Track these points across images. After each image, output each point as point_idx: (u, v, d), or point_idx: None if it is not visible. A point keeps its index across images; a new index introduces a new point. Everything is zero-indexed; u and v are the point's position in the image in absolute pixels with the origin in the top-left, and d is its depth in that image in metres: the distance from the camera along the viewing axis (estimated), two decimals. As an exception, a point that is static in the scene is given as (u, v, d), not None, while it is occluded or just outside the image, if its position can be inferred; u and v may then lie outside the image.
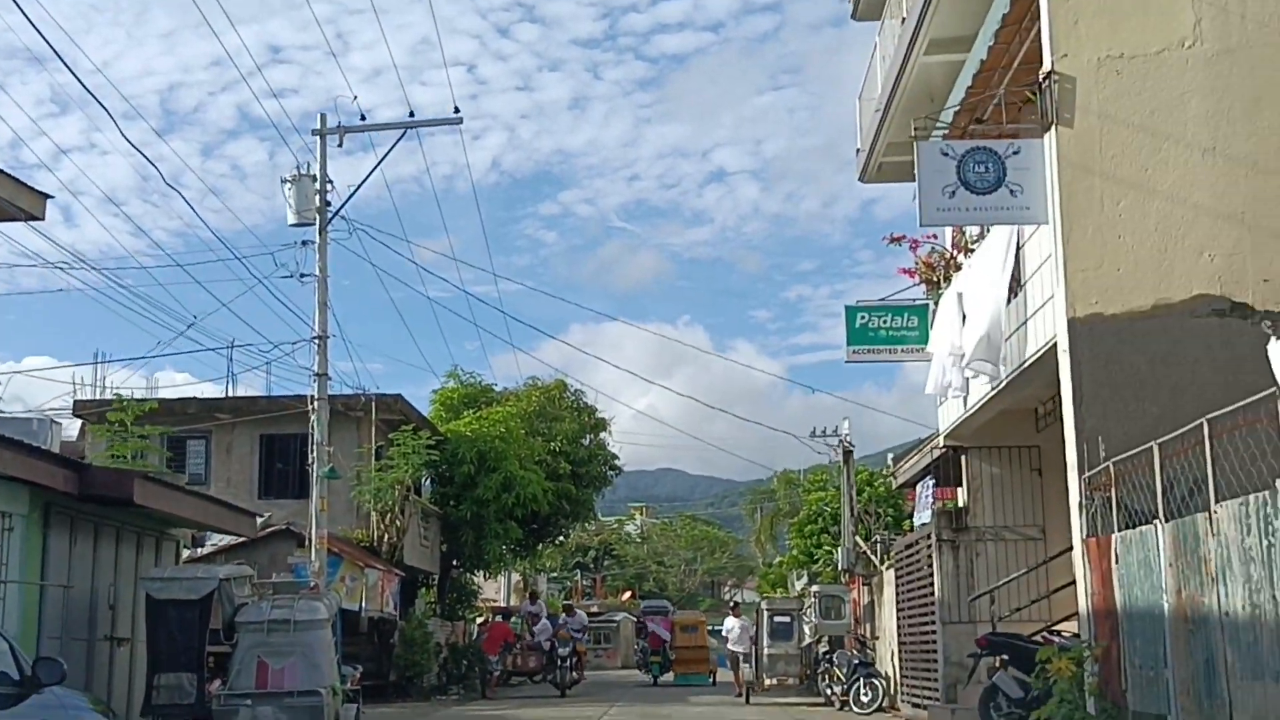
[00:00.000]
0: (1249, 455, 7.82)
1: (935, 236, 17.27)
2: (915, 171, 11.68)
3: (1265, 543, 7.12)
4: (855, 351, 17.16)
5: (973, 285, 14.34)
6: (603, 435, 36.73)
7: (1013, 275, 12.95)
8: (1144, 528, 9.22)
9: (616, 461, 37.03)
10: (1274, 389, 7.21)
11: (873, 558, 27.85)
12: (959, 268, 16.90)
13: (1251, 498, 7.34)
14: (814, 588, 28.25)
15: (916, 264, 17.27)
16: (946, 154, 11.55)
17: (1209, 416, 8.21)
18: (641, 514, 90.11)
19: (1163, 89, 11.29)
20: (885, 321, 17.09)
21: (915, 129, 11.89)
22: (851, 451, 31.06)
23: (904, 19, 21.39)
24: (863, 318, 17.13)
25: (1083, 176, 11.27)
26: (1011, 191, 11.49)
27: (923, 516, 21.11)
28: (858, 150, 26.08)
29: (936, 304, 16.79)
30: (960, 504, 18.06)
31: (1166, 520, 8.84)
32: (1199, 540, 8.10)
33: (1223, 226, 11.09)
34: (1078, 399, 11.06)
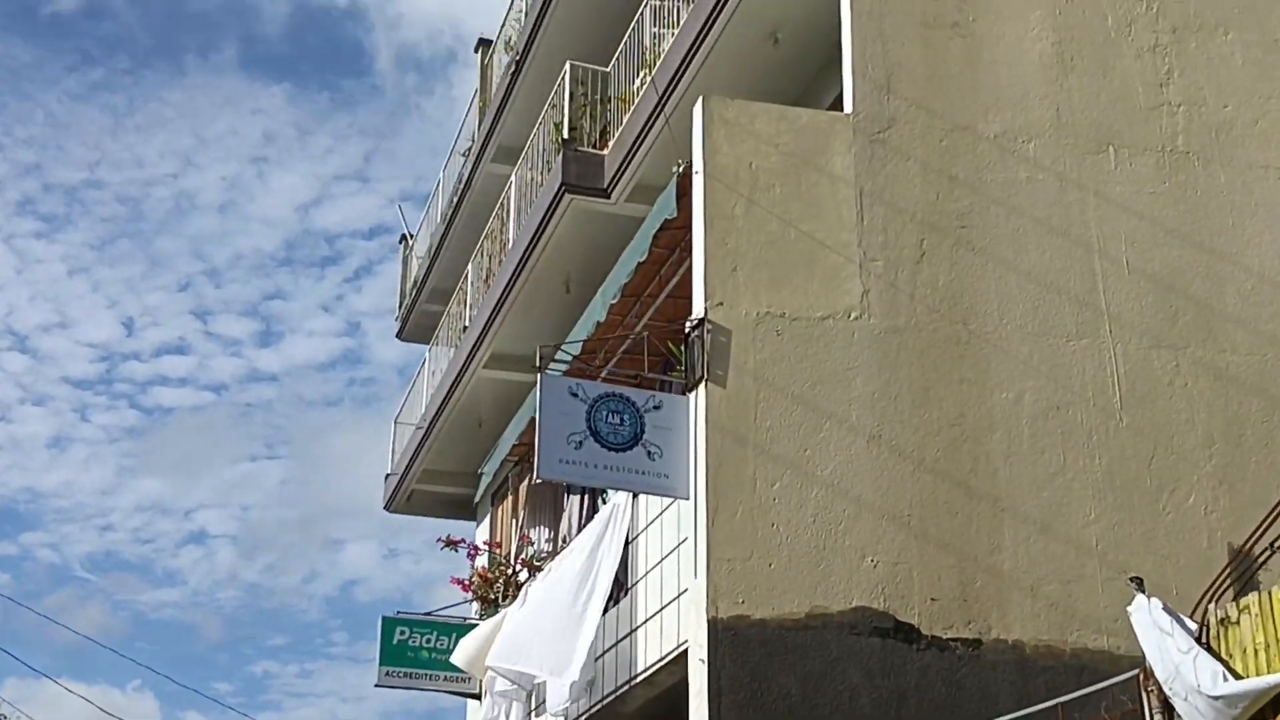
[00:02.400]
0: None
1: (499, 546, 14.72)
2: (537, 410, 9.22)
3: None
4: (389, 674, 13.97)
5: (552, 596, 11.75)
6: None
7: (616, 578, 10.53)
8: None
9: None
10: (1136, 670, 5.01)
11: None
12: (519, 588, 14.36)
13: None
14: None
15: (471, 576, 14.58)
16: (576, 394, 9.21)
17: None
18: None
19: (827, 360, 9.58)
20: (429, 640, 14.11)
21: (541, 358, 9.56)
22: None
23: (465, 327, 19.68)
24: (402, 633, 14.07)
25: (734, 447, 9.20)
26: (649, 453, 9.23)
27: None
28: (387, 475, 23.63)
29: (493, 625, 14.06)
30: None
31: None
32: None
33: (887, 528, 9.23)
34: (714, 725, 8.53)
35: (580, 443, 9.07)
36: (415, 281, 24.83)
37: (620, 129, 15.13)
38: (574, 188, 15.23)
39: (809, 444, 9.33)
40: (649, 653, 9.88)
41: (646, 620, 10.00)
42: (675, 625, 9.44)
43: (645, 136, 14.22)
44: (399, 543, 59.19)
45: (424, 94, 63.30)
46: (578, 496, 13.86)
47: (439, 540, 15.15)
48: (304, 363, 59.68)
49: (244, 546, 55.48)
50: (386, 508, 23.32)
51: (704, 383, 9.32)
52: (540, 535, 14.59)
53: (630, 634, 10.33)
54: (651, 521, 10.23)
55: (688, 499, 9.22)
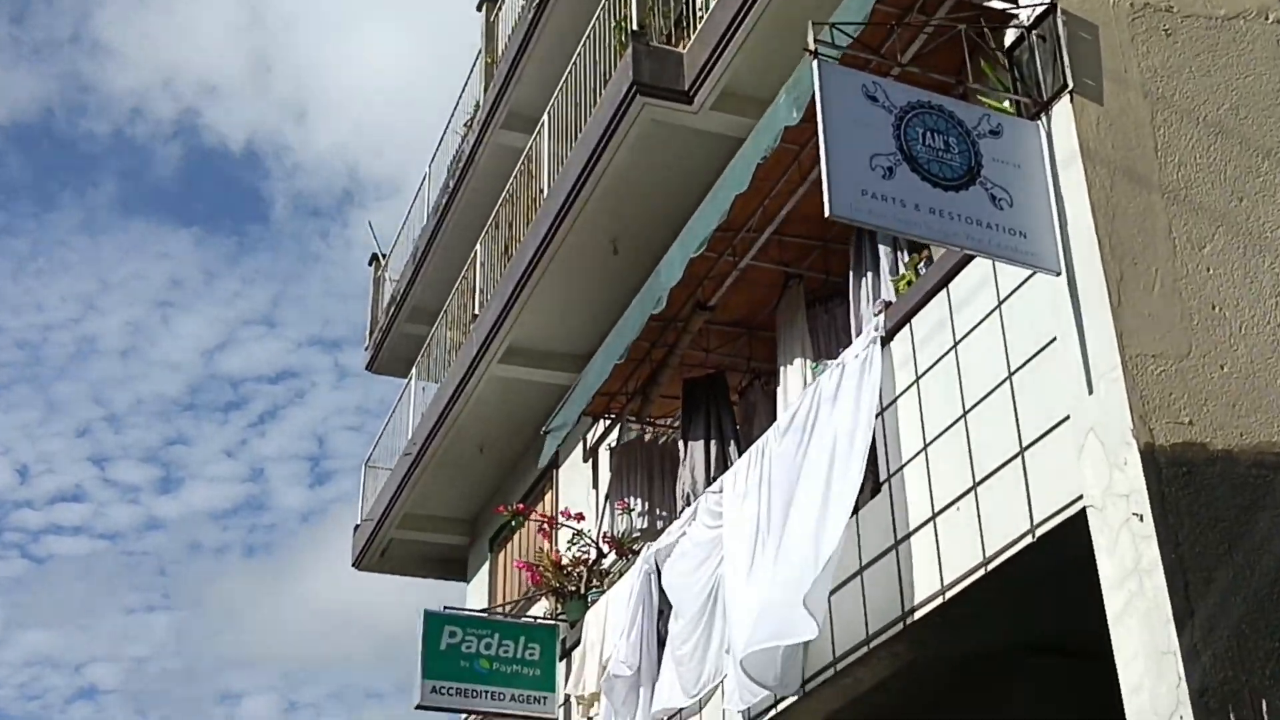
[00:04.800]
0: None
1: (582, 517, 10.74)
2: (820, 115, 5.45)
3: None
4: (436, 689, 9.80)
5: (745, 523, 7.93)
6: None
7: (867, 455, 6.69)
8: None
9: None
10: None
11: None
12: (603, 577, 10.44)
13: None
14: None
15: (541, 561, 10.57)
16: (874, 98, 5.51)
17: None
18: None
19: (1245, 76, 6.02)
20: (489, 645, 9.99)
21: (814, 39, 5.79)
22: None
23: (475, 316, 15.96)
24: (452, 634, 9.94)
25: (1130, 189, 5.54)
26: (994, 198, 5.52)
27: None
28: (357, 526, 19.56)
29: (577, 621, 10.06)
30: None
31: None
32: None
33: (1386, 320, 5.57)
34: (1184, 622, 4.71)
35: (890, 169, 5.35)
36: (394, 298, 20.96)
37: (706, 17, 11.60)
38: (648, 89, 11.59)
39: (1245, 191, 5.70)
40: (952, 561, 6.03)
41: (943, 509, 6.15)
42: (1004, 510, 5.64)
43: (741, 23, 10.72)
44: (300, 695, 54.35)
45: (320, 237, 61.13)
46: (699, 442, 10.06)
47: (500, 508, 11.16)
48: (204, 509, 55.60)
49: (137, 701, 50.49)
50: (356, 565, 19.20)
51: (1068, 96, 5.68)
52: (634, 506, 10.70)
53: (893, 549, 6.49)
54: (931, 367, 6.47)
55: (1057, 271, 5.51)
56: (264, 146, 60.01)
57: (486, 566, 16.92)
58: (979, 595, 5.98)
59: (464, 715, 11.29)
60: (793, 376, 9.17)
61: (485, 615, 10.55)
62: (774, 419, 9.12)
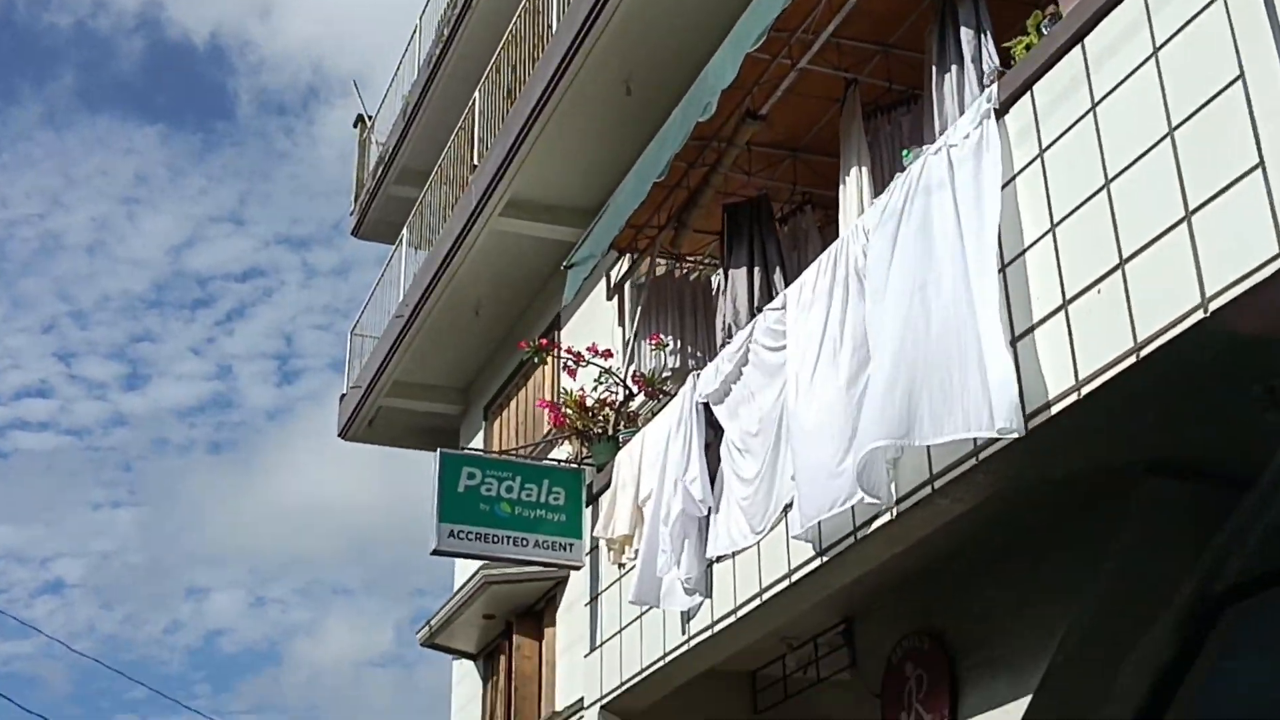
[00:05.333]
0: None
1: (610, 354, 9.86)
2: None
3: None
4: (453, 533, 8.97)
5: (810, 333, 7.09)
6: None
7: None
8: None
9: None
10: None
11: None
12: (632, 420, 9.61)
13: None
14: None
15: (562, 399, 9.70)
16: None
17: None
18: None
19: None
20: (511, 489, 9.15)
21: None
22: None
23: (474, 166, 14.95)
24: (470, 476, 9.09)
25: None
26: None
27: None
28: (342, 396, 18.78)
29: (604, 465, 9.23)
30: None
31: None
32: None
33: None
34: None
35: None
36: (381, 159, 19.90)
37: None
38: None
39: None
40: (1091, 352, 5.19)
41: (1077, 295, 5.29)
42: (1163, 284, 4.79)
43: None
44: (267, 590, 54.03)
45: (285, 134, 59.82)
46: (742, 270, 9.18)
47: (522, 343, 10.26)
48: (171, 406, 54.87)
49: (104, 595, 50.23)
50: (342, 435, 18.40)
51: None
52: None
53: (1011, 345, 5.64)
54: (1060, 136, 5.57)
55: (1257, -7, 4.61)
56: (228, 41, 58.56)
57: (481, 436, 16.11)
58: (1118, 393, 5.16)
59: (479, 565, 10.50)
60: (850, 187, 8.29)
61: (506, 457, 9.73)
62: (825, 244, 8.29)
